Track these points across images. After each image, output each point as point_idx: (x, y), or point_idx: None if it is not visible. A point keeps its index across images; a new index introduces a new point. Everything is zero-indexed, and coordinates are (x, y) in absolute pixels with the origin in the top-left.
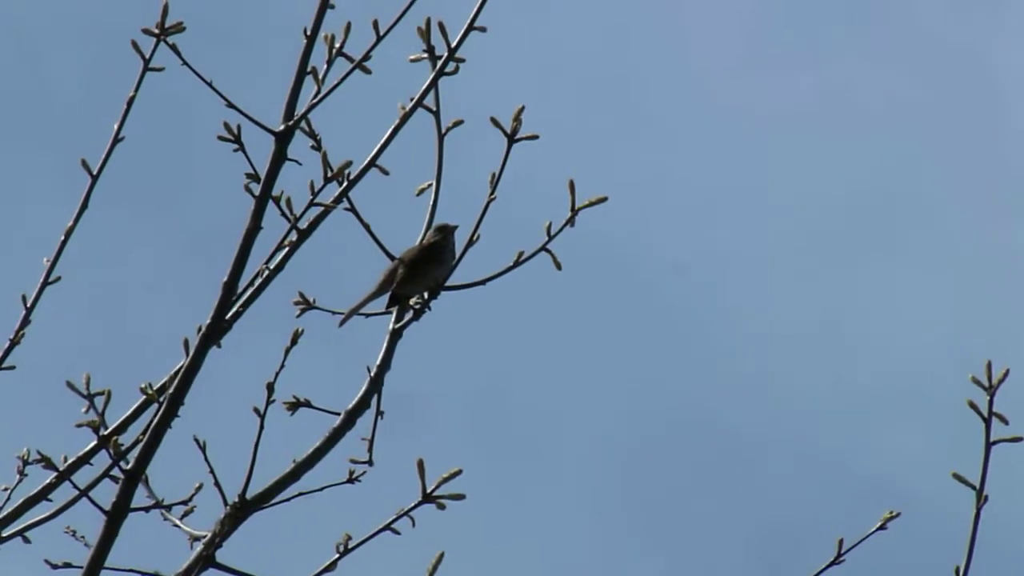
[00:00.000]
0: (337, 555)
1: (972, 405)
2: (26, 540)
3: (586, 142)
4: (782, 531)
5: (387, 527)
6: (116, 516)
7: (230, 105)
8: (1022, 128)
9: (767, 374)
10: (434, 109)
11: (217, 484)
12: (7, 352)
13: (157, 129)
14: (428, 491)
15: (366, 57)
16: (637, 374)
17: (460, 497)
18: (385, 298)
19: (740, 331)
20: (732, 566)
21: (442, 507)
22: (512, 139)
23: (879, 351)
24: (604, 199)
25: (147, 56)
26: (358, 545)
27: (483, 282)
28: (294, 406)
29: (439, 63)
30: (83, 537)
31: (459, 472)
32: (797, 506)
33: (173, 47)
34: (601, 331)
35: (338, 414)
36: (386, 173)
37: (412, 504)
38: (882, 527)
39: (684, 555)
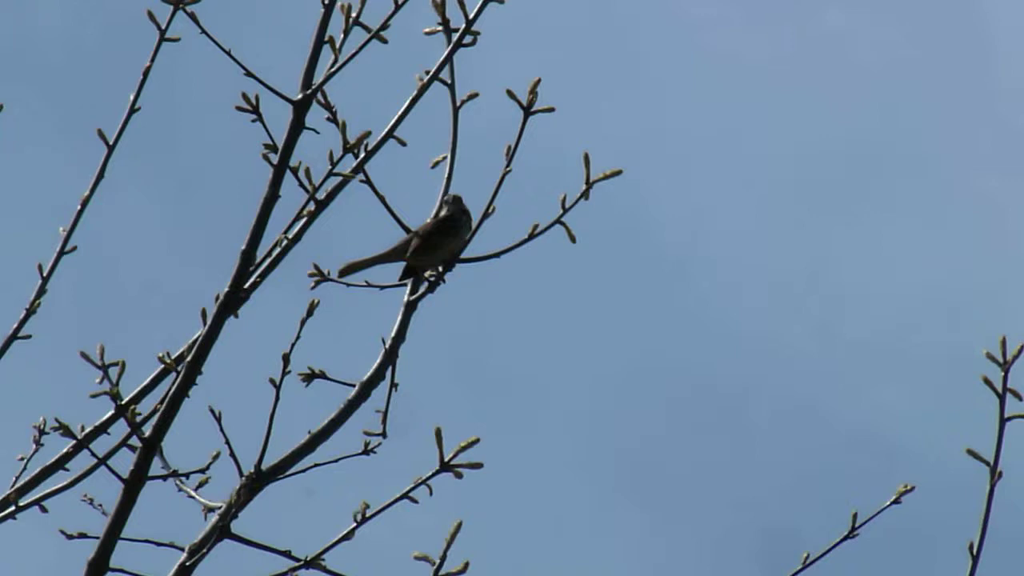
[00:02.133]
0: (355, 524)
1: (987, 381)
2: (43, 509)
3: (578, 99)
4: (767, 483)
5: (404, 495)
6: (134, 484)
7: (248, 74)
8: (1011, 79)
9: (752, 325)
10: (449, 82)
11: (232, 455)
12: (23, 322)
13: (173, 99)
14: (446, 460)
15: (383, 27)
16: (630, 328)
17: (478, 466)
18: (399, 270)
19: (724, 282)
20: (717, 520)
21: (460, 476)
22: (528, 111)
23: (865, 302)
24: (619, 172)
25: (163, 26)
26: (376, 514)
27: (498, 254)
28: (309, 377)
29: (455, 36)
30: (100, 505)
31: (477, 441)
32: (782, 458)
33: (192, 15)
34: (608, 293)
35: (353, 386)
36: (403, 144)
37: (430, 473)
38: (896, 501)
39: (670, 510)
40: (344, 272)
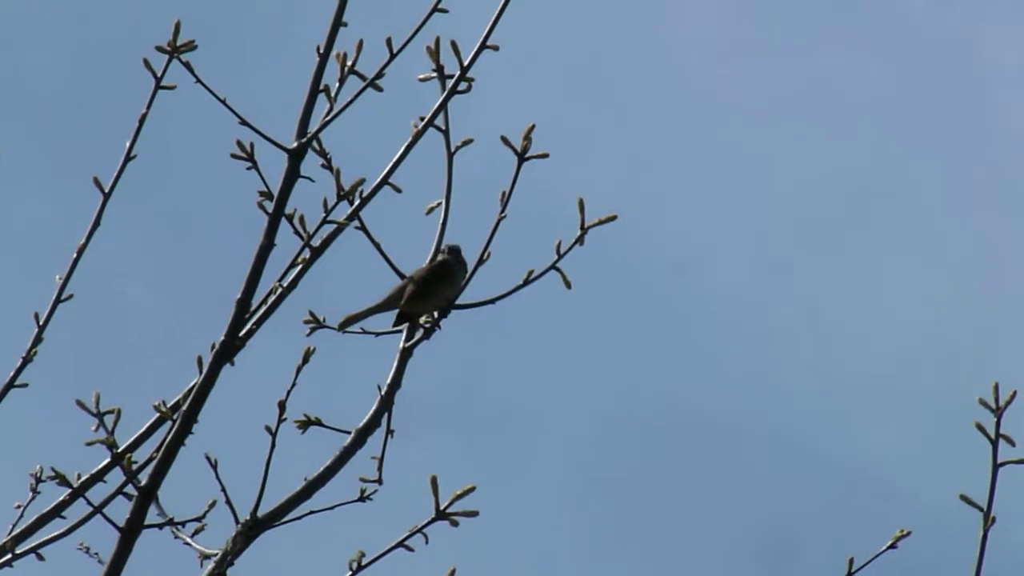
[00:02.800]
0: (350, 572)
1: (980, 427)
2: (40, 557)
3: (573, 144)
4: (762, 522)
5: (400, 544)
6: (130, 533)
7: (243, 122)
8: (1006, 118)
9: (747, 365)
10: (444, 128)
11: (228, 502)
12: (19, 370)
13: (169, 146)
14: (442, 508)
15: (379, 75)
16: (627, 373)
17: (474, 514)
18: (394, 316)
19: (720, 322)
20: (712, 558)
21: (455, 524)
22: (522, 157)
23: (860, 342)
24: (614, 217)
25: (159, 74)
26: (372, 562)
27: (493, 300)
28: (305, 424)
29: (450, 83)
30: (96, 553)
31: (473, 489)
32: (777, 498)
33: (187, 64)
34: (604, 338)
35: (349, 432)
36: (398, 191)
37: (426, 521)
38: (892, 546)
39: (666, 550)
40: (343, 325)
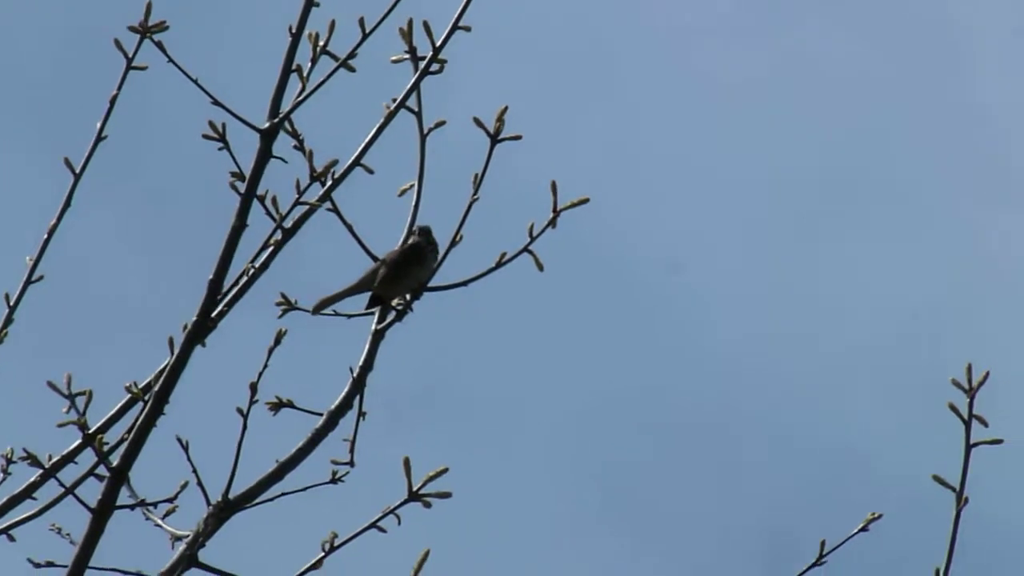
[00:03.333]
0: (323, 553)
1: (953, 408)
2: (11, 538)
3: (555, 118)
4: (747, 504)
5: (373, 525)
6: (102, 514)
7: (215, 102)
8: (988, 100)
9: (728, 348)
10: (416, 110)
11: (200, 484)
12: None
13: (141, 127)
14: (414, 489)
15: (351, 55)
16: (601, 356)
17: (446, 495)
18: (367, 298)
19: (701, 304)
20: (699, 543)
21: (428, 505)
22: (495, 139)
23: (845, 326)
24: (586, 200)
25: (130, 54)
26: (344, 543)
27: (465, 283)
28: (277, 406)
29: (422, 64)
30: (68, 534)
31: (445, 470)
32: (763, 480)
33: (159, 44)
34: (577, 322)
35: (321, 415)
36: (371, 172)
37: (398, 502)
38: (864, 528)
39: (651, 535)
40: (317, 308)
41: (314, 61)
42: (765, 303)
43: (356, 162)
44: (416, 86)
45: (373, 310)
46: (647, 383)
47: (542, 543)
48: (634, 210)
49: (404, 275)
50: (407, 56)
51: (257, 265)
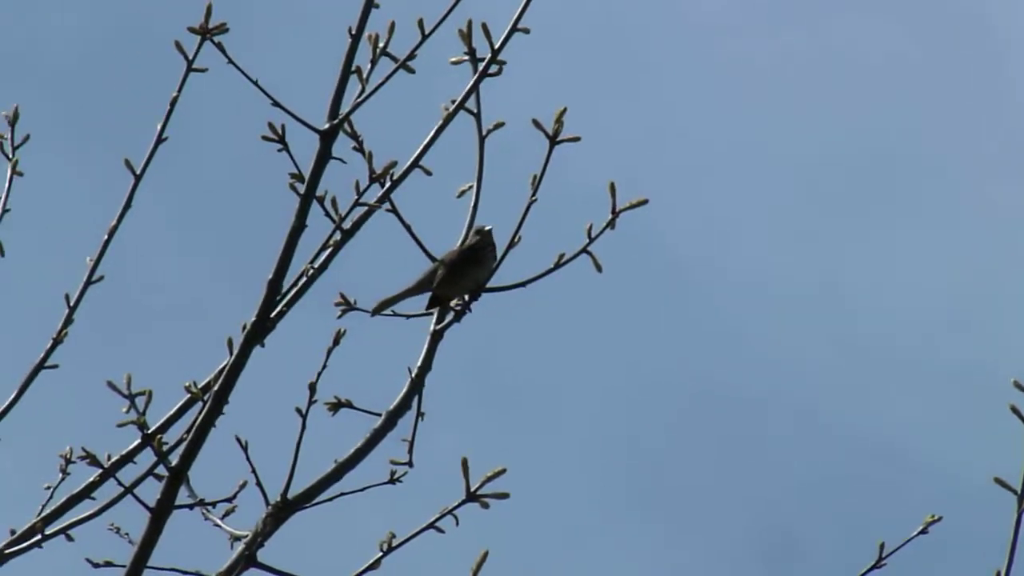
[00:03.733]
0: (381, 553)
1: (1014, 409)
2: (69, 538)
3: (600, 124)
4: (781, 494)
5: (431, 525)
6: (161, 513)
7: (275, 104)
8: (1020, 83)
9: (769, 336)
10: (475, 111)
11: (259, 484)
12: (50, 351)
13: (201, 128)
14: (472, 490)
15: (410, 56)
16: (649, 348)
17: (505, 496)
18: (426, 299)
19: (738, 291)
20: (733, 531)
21: (486, 506)
22: (554, 141)
23: (878, 311)
24: (645, 201)
25: (191, 56)
26: (402, 543)
27: (524, 284)
28: (336, 406)
29: (481, 65)
30: (127, 534)
31: (503, 471)
32: (796, 468)
33: (219, 45)
34: (630, 320)
35: (379, 415)
36: (429, 174)
37: (456, 503)
38: (923, 531)
39: (687, 522)
40: (376, 310)
41: (373, 62)
42: (805, 289)
43: (415, 163)
44: (475, 87)
45: (432, 311)
46: (684, 368)
47: (596, 543)
48: (674, 196)
49: (463, 276)
50: (466, 58)
51: (316, 266)
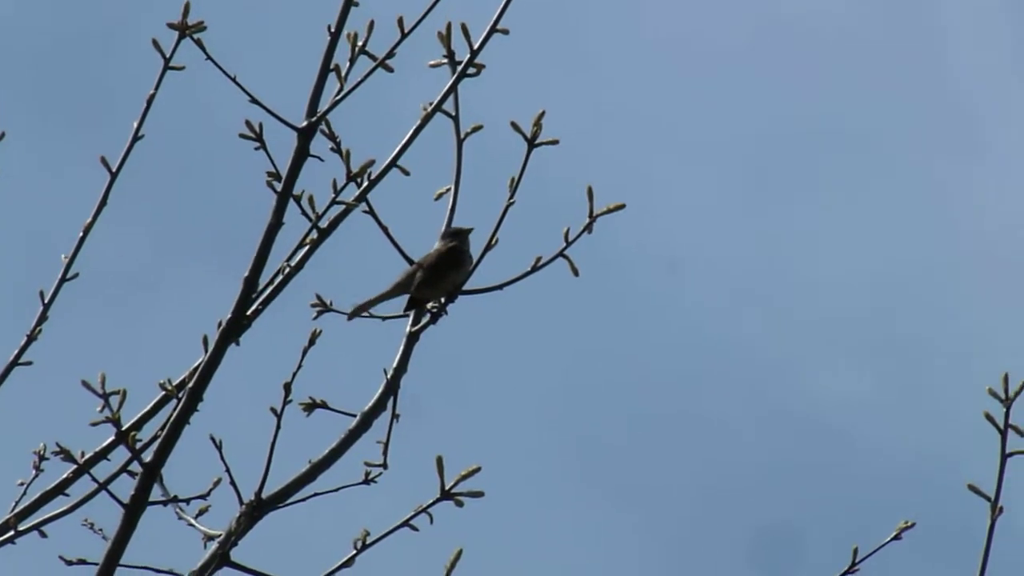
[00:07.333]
0: (355, 551)
1: (988, 417)
2: (43, 534)
3: (525, 79)
4: (724, 472)
5: (405, 523)
6: (135, 509)
7: (253, 101)
8: (963, 62)
9: (704, 312)
10: (453, 114)
11: (233, 482)
12: (24, 348)
13: (177, 126)
14: (447, 488)
15: (389, 55)
16: (591, 334)
17: (479, 494)
18: (402, 301)
19: (679, 272)
20: (677, 509)
21: (460, 504)
22: (532, 144)
23: (819, 288)
24: (622, 206)
25: (168, 54)
26: (376, 541)
27: (501, 287)
28: (311, 407)
29: (459, 68)
30: (101, 530)
31: (478, 469)
32: (736, 446)
33: (198, 42)
34: (601, 318)
35: (354, 416)
36: (407, 174)
37: (431, 501)
38: (896, 537)
39: (639, 506)
40: (353, 314)
41: (352, 61)
42: (734, 263)
43: (392, 163)
44: (453, 89)
45: (408, 313)
46: (622, 352)
47: (570, 540)
48: (613, 175)
49: (441, 279)
50: (445, 61)
51: (292, 264)
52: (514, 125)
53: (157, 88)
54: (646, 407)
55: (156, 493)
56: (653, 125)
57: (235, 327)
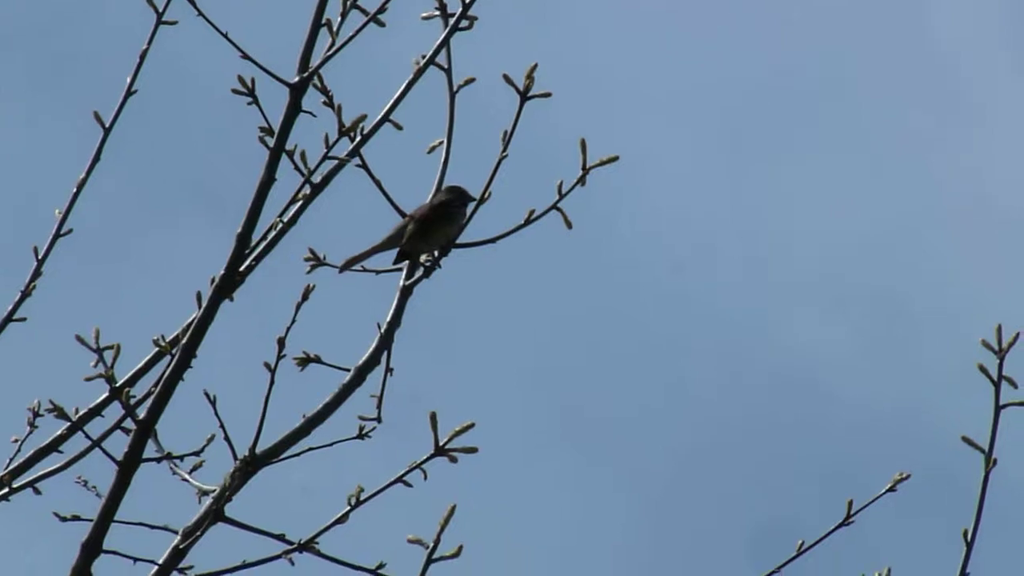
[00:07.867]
0: (349, 507)
1: (982, 369)
2: (37, 491)
3: (517, 33)
4: (708, 427)
5: (399, 479)
6: (128, 466)
7: (245, 56)
8: (941, 14)
9: (686, 269)
10: (446, 67)
11: (227, 438)
12: (18, 304)
13: (170, 81)
14: (441, 444)
15: (381, 9)
16: (572, 292)
17: (473, 450)
18: (394, 254)
19: (658, 228)
20: (658, 465)
21: (454, 460)
22: (525, 97)
23: (798, 243)
24: (616, 158)
25: (160, 9)
26: (370, 497)
27: (494, 240)
28: (304, 362)
29: (452, 21)
30: (94, 487)
31: (472, 425)
32: (718, 402)
33: None
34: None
35: (348, 370)
36: (400, 128)
37: (424, 457)
38: (891, 489)
39: (609, 463)
40: (345, 267)
41: (344, 16)
42: (716, 220)
43: (385, 118)
44: (446, 42)
45: (401, 266)
46: (598, 309)
47: (564, 499)
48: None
49: (433, 232)
50: (437, 13)
51: (286, 220)
52: (506, 78)
53: (150, 43)
54: (631, 362)
55: (150, 449)
56: (637, 80)
57: (228, 283)
